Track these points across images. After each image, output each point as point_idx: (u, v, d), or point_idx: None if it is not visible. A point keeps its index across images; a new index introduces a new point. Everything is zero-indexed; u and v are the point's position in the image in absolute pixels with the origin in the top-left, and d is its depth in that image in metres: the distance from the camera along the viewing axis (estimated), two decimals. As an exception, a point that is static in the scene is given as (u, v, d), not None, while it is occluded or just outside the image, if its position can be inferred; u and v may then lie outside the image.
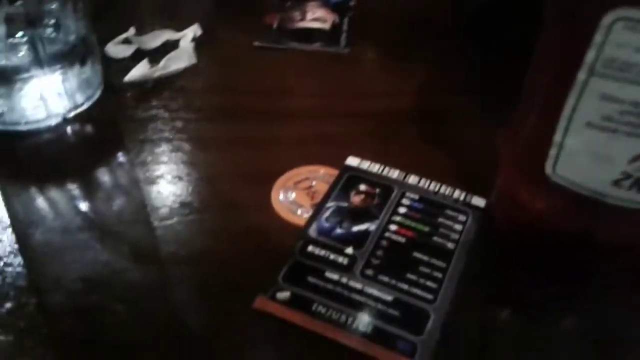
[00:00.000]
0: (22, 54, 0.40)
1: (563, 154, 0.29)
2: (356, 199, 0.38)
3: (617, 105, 0.26)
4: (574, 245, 0.32)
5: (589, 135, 0.28)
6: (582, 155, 0.29)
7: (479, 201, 0.38)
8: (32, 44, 0.40)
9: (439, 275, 0.34)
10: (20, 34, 0.39)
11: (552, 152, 0.29)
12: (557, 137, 0.29)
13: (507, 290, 0.34)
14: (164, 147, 0.43)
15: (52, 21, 0.40)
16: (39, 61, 0.41)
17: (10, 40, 0.39)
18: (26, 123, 0.43)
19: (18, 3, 0.39)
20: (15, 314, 0.31)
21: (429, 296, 0.33)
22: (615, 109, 0.26)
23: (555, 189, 0.31)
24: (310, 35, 0.54)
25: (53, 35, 0.41)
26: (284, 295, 0.32)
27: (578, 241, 0.32)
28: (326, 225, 0.36)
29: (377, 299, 0.32)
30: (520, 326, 0.30)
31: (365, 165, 0.40)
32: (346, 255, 0.35)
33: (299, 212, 0.38)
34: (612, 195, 0.30)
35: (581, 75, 0.27)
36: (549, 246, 0.33)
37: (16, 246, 0.35)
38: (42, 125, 0.43)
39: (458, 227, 0.37)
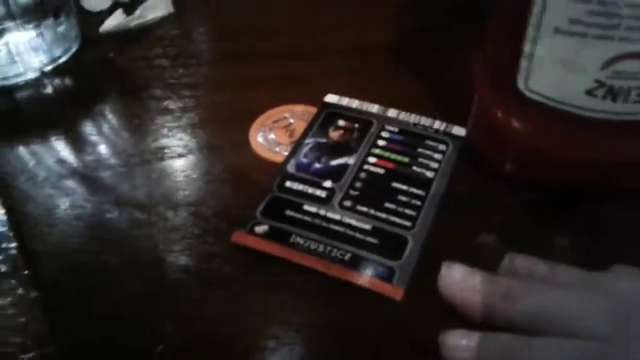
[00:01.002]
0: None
1: (534, 66, 0.29)
2: (335, 135, 0.38)
3: (584, 4, 0.25)
4: (552, 163, 0.32)
5: (558, 41, 0.27)
6: (553, 65, 0.28)
7: (459, 130, 0.38)
8: (3, -2, 0.39)
9: (418, 203, 0.33)
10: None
11: (523, 64, 0.29)
12: (527, 48, 0.28)
13: (486, 215, 0.34)
14: (143, 95, 0.42)
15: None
16: (11, 14, 0.40)
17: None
18: (3, 78, 0.42)
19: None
20: (-4, 259, 0.32)
21: (408, 223, 0.32)
22: (583, 10, 0.26)
23: (529, 105, 0.30)
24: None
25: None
26: (262, 228, 0.32)
27: (555, 158, 0.31)
28: (304, 160, 0.36)
29: (355, 229, 0.32)
30: (499, 251, 0.30)
31: (344, 101, 0.40)
32: (324, 188, 0.34)
33: (278, 150, 0.37)
34: (586, 107, 0.29)
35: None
36: (527, 166, 0.33)
37: (-2, 198, 0.36)
38: (20, 79, 0.43)
39: (438, 156, 0.36)
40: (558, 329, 0.25)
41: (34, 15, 0.42)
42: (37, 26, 0.42)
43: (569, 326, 0.25)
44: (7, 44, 0.41)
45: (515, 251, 0.30)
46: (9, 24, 0.41)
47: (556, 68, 0.28)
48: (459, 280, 0.28)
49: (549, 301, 0.26)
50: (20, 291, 0.30)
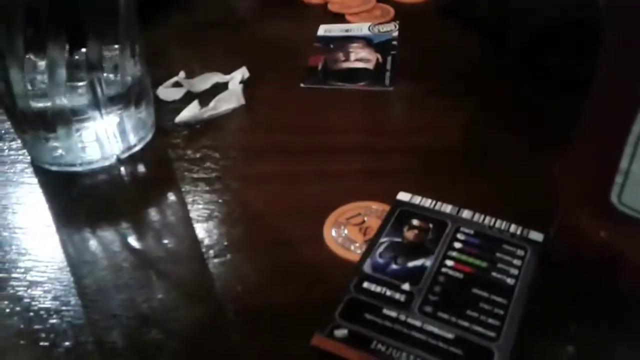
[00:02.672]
0: (82, 96, 0.41)
1: (629, 181, 0.28)
2: (410, 234, 0.38)
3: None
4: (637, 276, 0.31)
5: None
6: (650, 183, 0.28)
7: (536, 235, 0.37)
8: (92, 87, 0.41)
9: (501, 311, 0.33)
10: (81, 77, 0.41)
11: (618, 180, 0.29)
12: (623, 164, 0.28)
13: (570, 328, 0.32)
14: (214, 186, 0.43)
15: (112, 65, 0.42)
16: (97, 103, 0.42)
17: (71, 83, 0.40)
18: (81, 164, 0.44)
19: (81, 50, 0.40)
20: (74, 352, 0.31)
21: (492, 334, 0.31)
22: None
23: (621, 218, 0.30)
24: (354, 75, 0.55)
25: (112, 78, 0.42)
26: (341, 332, 0.32)
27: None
28: (380, 260, 0.36)
29: (437, 337, 0.31)
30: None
31: (417, 200, 0.40)
32: (403, 291, 0.34)
33: (352, 247, 0.37)
34: (684, 226, 0.28)
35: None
36: (613, 279, 0.32)
37: (72, 285, 0.36)
38: (97, 166, 0.44)
39: (517, 262, 0.35)
40: None
41: (118, 103, 0.43)
42: (119, 114, 0.44)
43: None
44: (89, 132, 0.43)
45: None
46: (94, 113, 0.42)
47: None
48: None
49: None
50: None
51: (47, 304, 0.34)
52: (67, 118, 0.41)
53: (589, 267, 0.33)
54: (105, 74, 0.41)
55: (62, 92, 0.40)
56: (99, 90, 0.42)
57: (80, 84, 0.41)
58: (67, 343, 0.32)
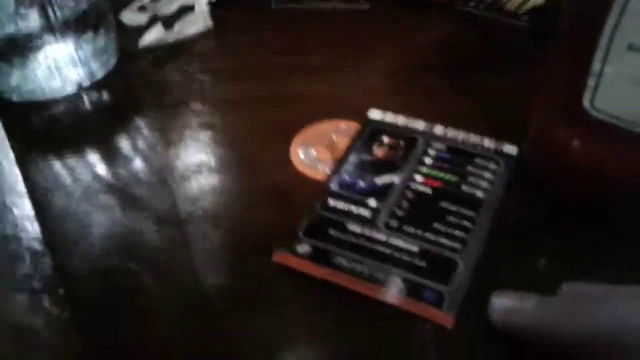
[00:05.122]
0: (34, 21, 0.39)
1: (602, 84, 0.27)
2: (379, 152, 0.36)
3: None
4: (616, 187, 0.30)
5: (631, 59, 0.26)
6: (623, 83, 0.27)
7: (510, 149, 0.36)
8: (43, 11, 0.39)
9: (468, 224, 0.32)
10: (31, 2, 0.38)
11: (590, 83, 0.27)
12: (596, 66, 0.27)
13: (541, 238, 0.32)
14: (181, 111, 0.41)
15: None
16: (51, 28, 0.40)
17: (22, 7, 0.38)
18: (42, 93, 0.42)
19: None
20: (31, 275, 0.31)
21: (458, 245, 0.31)
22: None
23: (594, 124, 0.28)
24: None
25: (65, 1, 0.40)
26: (304, 248, 0.31)
27: (620, 182, 0.29)
28: (348, 179, 0.35)
29: (402, 250, 0.31)
30: (555, 277, 0.28)
31: (388, 117, 0.38)
32: (369, 207, 0.33)
33: (320, 167, 0.36)
34: (656, 126, 0.27)
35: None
36: (588, 187, 0.31)
37: (32, 212, 0.35)
38: (58, 94, 0.43)
39: (488, 175, 0.34)
40: (624, 342, 0.23)
41: (73, 29, 0.41)
42: (75, 40, 0.42)
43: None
44: (45, 58, 0.41)
45: (573, 279, 0.27)
46: (48, 37, 0.40)
47: (626, 86, 0.26)
48: (509, 306, 0.27)
49: (612, 315, 0.23)
50: (54, 311, 0.29)
51: (7, 231, 0.34)
52: (20, 44, 0.40)
53: (563, 177, 0.32)
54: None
55: (12, 19, 0.38)
56: (51, 14, 0.40)
57: (30, 7, 0.39)
58: (24, 267, 0.31)
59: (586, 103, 0.28)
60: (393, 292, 0.29)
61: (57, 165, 0.38)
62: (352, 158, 0.36)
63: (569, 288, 0.27)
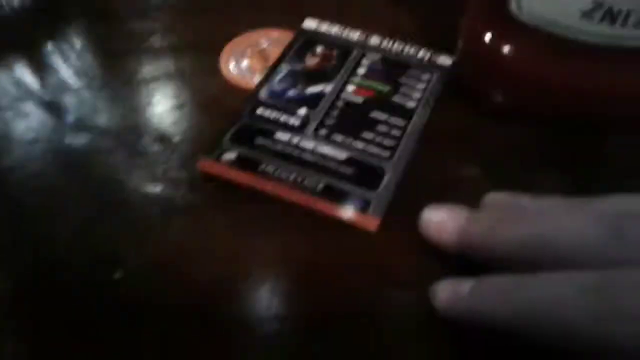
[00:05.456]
0: None
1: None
2: (312, 62, 0.35)
3: None
4: (544, 91, 0.30)
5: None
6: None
7: (445, 60, 0.35)
8: None
9: (398, 133, 0.31)
10: None
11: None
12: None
13: (469, 149, 0.32)
14: (108, 16, 0.39)
15: None
16: None
17: None
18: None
19: None
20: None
21: (386, 154, 0.30)
22: None
23: (521, 29, 0.28)
24: None
25: None
26: (229, 156, 0.30)
27: (547, 85, 0.29)
28: (278, 88, 0.34)
29: (329, 158, 0.30)
30: (481, 187, 0.28)
31: (324, 27, 0.37)
32: (298, 116, 0.32)
33: (250, 77, 0.35)
34: (582, 30, 0.27)
35: None
36: (516, 95, 0.31)
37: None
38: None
39: (421, 86, 0.34)
40: (550, 258, 0.22)
41: None
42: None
43: (564, 253, 0.22)
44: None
45: (499, 189, 0.27)
46: None
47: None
48: (438, 220, 0.27)
49: (537, 228, 0.23)
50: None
51: None
52: None
53: (495, 85, 0.32)
54: None
55: None
56: None
57: None
58: None
59: (513, 6, 0.28)
60: (319, 199, 0.28)
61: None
62: (284, 67, 0.35)
63: (492, 198, 0.27)
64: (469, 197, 0.27)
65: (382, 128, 0.32)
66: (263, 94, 0.33)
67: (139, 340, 0.25)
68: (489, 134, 0.32)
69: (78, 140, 0.32)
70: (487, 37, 0.31)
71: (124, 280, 0.26)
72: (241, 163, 0.30)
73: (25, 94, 0.35)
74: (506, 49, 0.30)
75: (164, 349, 0.24)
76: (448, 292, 0.25)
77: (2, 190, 0.30)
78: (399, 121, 0.32)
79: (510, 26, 0.29)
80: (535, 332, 0.21)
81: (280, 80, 0.34)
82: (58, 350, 0.24)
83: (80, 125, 0.33)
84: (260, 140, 0.31)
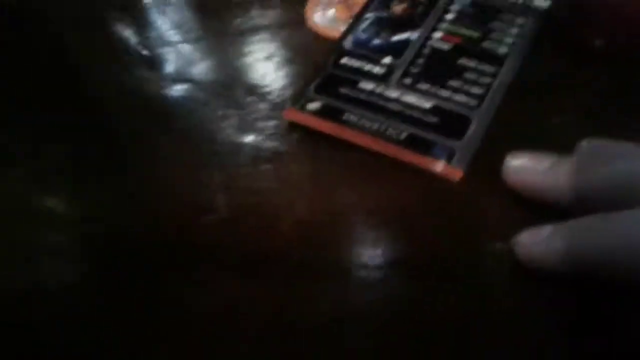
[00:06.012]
0: None
1: None
2: (398, 8, 0.34)
3: None
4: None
5: None
6: None
7: (540, 2, 0.33)
8: None
9: (487, 80, 0.30)
10: None
11: None
12: None
13: (562, 98, 0.30)
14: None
15: None
16: None
17: None
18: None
19: None
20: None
21: (473, 102, 0.29)
22: None
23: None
24: None
25: None
26: (314, 105, 0.30)
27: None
28: (363, 36, 0.33)
29: (413, 107, 0.30)
30: (577, 137, 0.26)
31: (411, -28, 0.36)
32: (383, 65, 0.32)
33: (336, 26, 0.35)
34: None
35: None
36: (620, 40, 0.29)
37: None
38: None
39: (514, 30, 0.32)
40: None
41: None
42: None
43: None
44: None
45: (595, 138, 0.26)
46: None
47: None
48: (524, 166, 0.26)
49: (632, 165, 0.22)
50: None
51: None
52: None
53: (595, 29, 0.30)
54: None
55: None
56: None
57: None
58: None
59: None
60: (403, 148, 0.28)
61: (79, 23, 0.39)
62: (369, 15, 0.34)
63: (588, 144, 0.26)
64: (562, 149, 0.25)
65: (470, 75, 0.30)
66: (347, 43, 0.33)
67: (229, 283, 0.26)
68: (584, 82, 0.30)
69: (174, 92, 0.34)
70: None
71: (216, 224, 0.28)
72: (325, 112, 0.30)
73: (123, 46, 0.37)
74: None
75: (251, 291, 0.25)
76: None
77: (101, 134, 0.32)
78: (488, 68, 0.31)
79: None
80: (620, 269, 0.21)
81: (365, 29, 0.34)
82: (154, 283, 0.26)
83: (177, 79, 0.34)
84: (344, 90, 0.31)
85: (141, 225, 0.28)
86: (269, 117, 0.31)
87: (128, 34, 0.38)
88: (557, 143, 0.26)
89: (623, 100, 0.29)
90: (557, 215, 0.24)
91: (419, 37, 0.33)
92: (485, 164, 0.27)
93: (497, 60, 0.31)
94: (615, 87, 0.30)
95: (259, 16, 0.37)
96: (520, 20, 0.33)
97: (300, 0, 0.37)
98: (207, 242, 0.27)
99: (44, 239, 0.28)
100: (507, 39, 0.32)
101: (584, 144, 0.25)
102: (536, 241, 0.24)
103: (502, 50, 0.31)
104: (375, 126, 0.29)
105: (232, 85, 0.33)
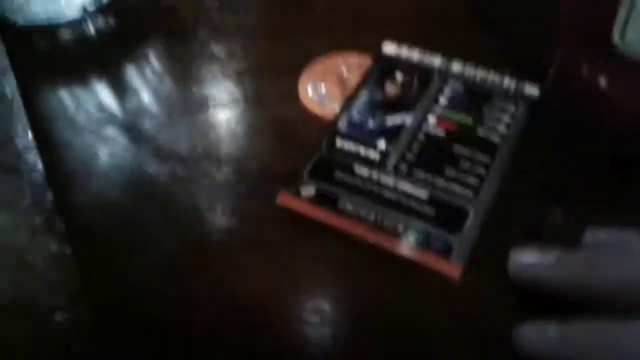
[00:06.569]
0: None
1: (634, 15, 0.24)
2: (391, 89, 0.34)
3: None
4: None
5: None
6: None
7: (531, 90, 0.34)
8: None
9: (482, 170, 0.30)
10: None
11: (621, 14, 0.25)
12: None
13: (560, 187, 0.30)
14: (189, 38, 0.40)
15: None
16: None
17: None
18: (45, 14, 0.40)
19: None
20: (32, 210, 0.30)
21: (469, 193, 0.29)
22: None
23: (622, 62, 0.26)
24: None
25: None
26: (308, 191, 0.30)
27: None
28: (357, 117, 0.33)
29: (410, 197, 0.29)
30: (573, 227, 0.26)
31: (403, 51, 0.36)
32: (378, 149, 0.31)
33: (329, 104, 0.34)
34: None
35: None
36: (616, 131, 0.29)
37: (34, 143, 0.34)
38: (62, 17, 0.41)
39: (506, 118, 0.32)
40: None
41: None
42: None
43: None
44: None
45: (593, 229, 0.26)
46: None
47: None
48: (530, 262, 0.26)
49: (636, 270, 0.22)
50: (54, 247, 0.28)
51: (8, 162, 0.33)
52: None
53: (587, 120, 0.30)
54: None
55: None
56: None
57: None
58: (25, 201, 0.31)
59: (616, 37, 0.26)
60: (400, 240, 0.28)
61: (60, 92, 0.37)
62: (363, 96, 0.34)
63: (592, 234, 0.26)
64: (559, 239, 0.25)
65: (465, 165, 0.30)
66: (342, 124, 0.33)
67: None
68: (581, 172, 0.30)
69: (157, 168, 0.33)
70: (584, 68, 0.29)
71: (202, 317, 0.26)
72: (320, 199, 0.29)
73: (107, 117, 0.35)
74: (604, 82, 0.28)
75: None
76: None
77: (80, 222, 0.31)
78: (483, 157, 0.31)
79: (610, 58, 0.27)
80: None
81: (360, 110, 0.33)
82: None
83: (158, 153, 0.33)
84: (339, 175, 0.30)
85: (119, 315, 0.27)
86: (259, 200, 0.30)
87: (109, 100, 0.37)
88: (556, 234, 0.26)
89: (622, 186, 0.30)
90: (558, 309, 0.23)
91: (413, 121, 0.33)
92: (484, 259, 0.27)
93: (491, 149, 0.31)
94: (606, 180, 0.30)
95: (249, 88, 0.36)
96: (511, 107, 0.33)
97: (294, 72, 0.36)
98: (185, 338, 0.26)
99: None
100: (499, 127, 0.32)
101: (589, 236, 0.26)
102: (539, 337, 0.23)
103: (496, 138, 0.32)
104: (372, 216, 0.29)
105: (219, 164, 0.32)
